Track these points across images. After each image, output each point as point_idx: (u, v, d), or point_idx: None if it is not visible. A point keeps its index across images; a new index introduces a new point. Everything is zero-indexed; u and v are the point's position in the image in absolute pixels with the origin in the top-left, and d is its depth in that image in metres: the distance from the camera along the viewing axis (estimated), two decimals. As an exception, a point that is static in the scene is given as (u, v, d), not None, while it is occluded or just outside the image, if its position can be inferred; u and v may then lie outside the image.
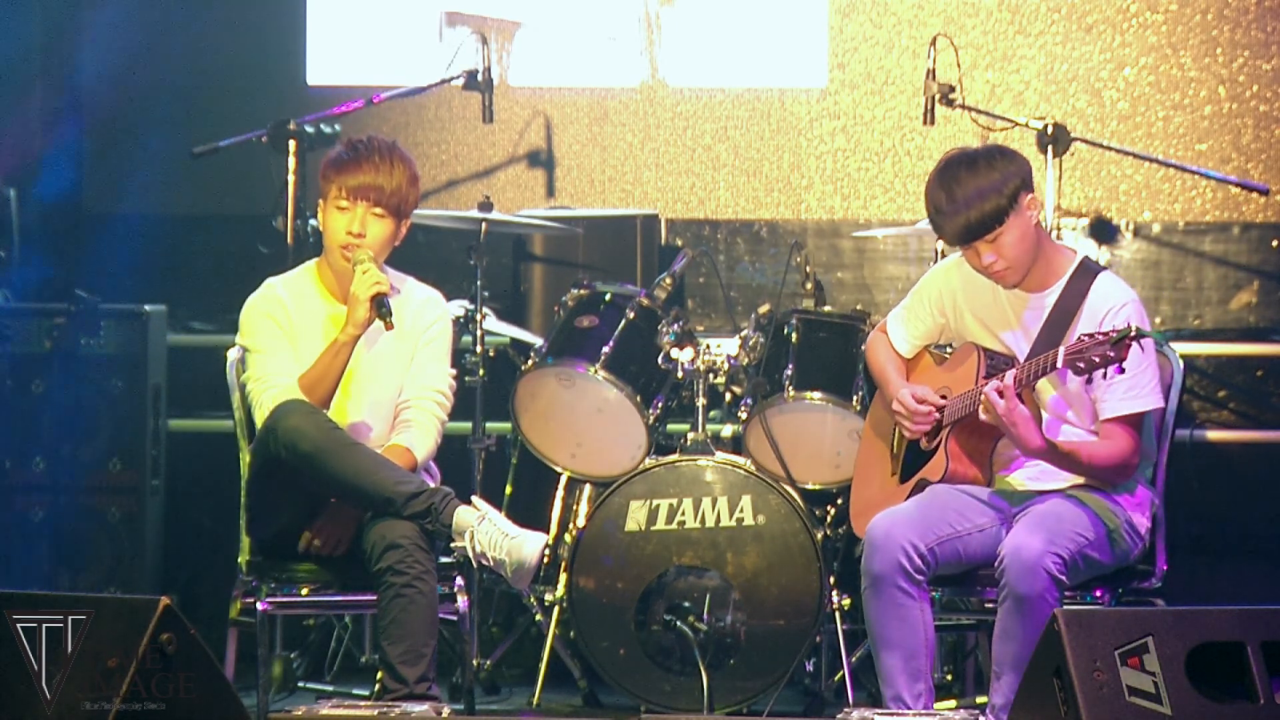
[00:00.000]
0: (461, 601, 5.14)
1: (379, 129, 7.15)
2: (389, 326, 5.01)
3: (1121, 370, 4.56)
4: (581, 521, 5.87)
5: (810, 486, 5.83)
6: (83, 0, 7.28)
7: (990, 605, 4.88)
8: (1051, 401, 4.87)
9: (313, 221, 5.85)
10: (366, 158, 5.09)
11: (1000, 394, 4.66)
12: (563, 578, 5.73)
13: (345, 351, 5.01)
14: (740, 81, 7.26)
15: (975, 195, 4.73)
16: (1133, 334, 4.51)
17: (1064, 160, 6.40)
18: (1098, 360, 4.53)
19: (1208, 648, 4.08)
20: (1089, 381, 4.63)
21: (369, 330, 5.03)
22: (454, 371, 5.26)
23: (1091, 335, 4.57)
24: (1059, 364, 4.60)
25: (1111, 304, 4.81)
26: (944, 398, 4.92)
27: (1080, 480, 4.85)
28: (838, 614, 5.66)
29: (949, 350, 5.18)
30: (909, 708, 4.73)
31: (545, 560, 5.07)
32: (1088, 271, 4.88)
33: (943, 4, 7.18)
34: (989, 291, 4.93)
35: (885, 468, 5.12)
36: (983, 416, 4.74)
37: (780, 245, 7.20)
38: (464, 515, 4.86)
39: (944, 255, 6.18)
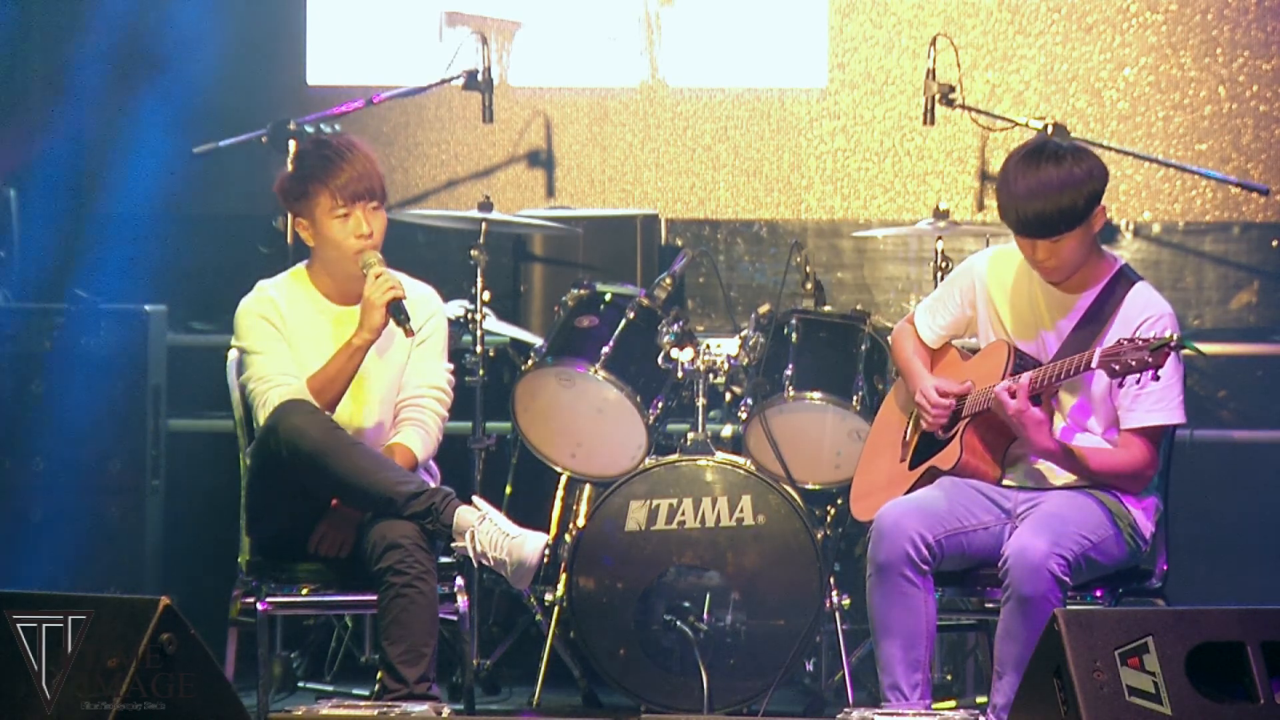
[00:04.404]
0: (461, 601, 5.14)
1: (379, 129, 7.17)
2: (408, 333, 5.02)
3: (1156, 378, 4.56)
4: (581, 521, 5.87)
5: (810, 486, 5.83)
6: (81, 0, 7.29)
7: (991, 605, 4.88)
8: (1073, 407, 4.86)
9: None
10: (344, 158, 5.08)
11: (1012, 394, 4.67)
12: (563, 578, 5.73)
13: (358, 356, 5.01)
14: (740, 81, 7.26)
15: (1055, 193, 4.70)
16: (1173, 343, 4.51)
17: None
18: (1134, 364, 4.52)
19: (1208, 648, 4.08)
20: (1120, 385, 4.62)
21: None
22: (451, 367, 5.26)
23: (1131, 340, 4.56)
24: (1094, 364, 4.60)
25: (1148, 314, 4.80)
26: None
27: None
28: (838, 614, 5.66)
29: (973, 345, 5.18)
30: (906, 697, 4.72)
31: (545, 560, 5.07)
32: (1126, 279, 4.87)
33: (943, 4, 7.18)
34: (1024, 287, 4.92)
35: (895, 454, 5.11)
36: (996, 409, 4.76)
37: (780, 245, 7.20)
38: (464, 515, 4.87)
39: (944, 255, 6.18)
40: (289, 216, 6.24)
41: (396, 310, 4.99)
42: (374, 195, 5.09)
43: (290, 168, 5.19)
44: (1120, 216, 7.10)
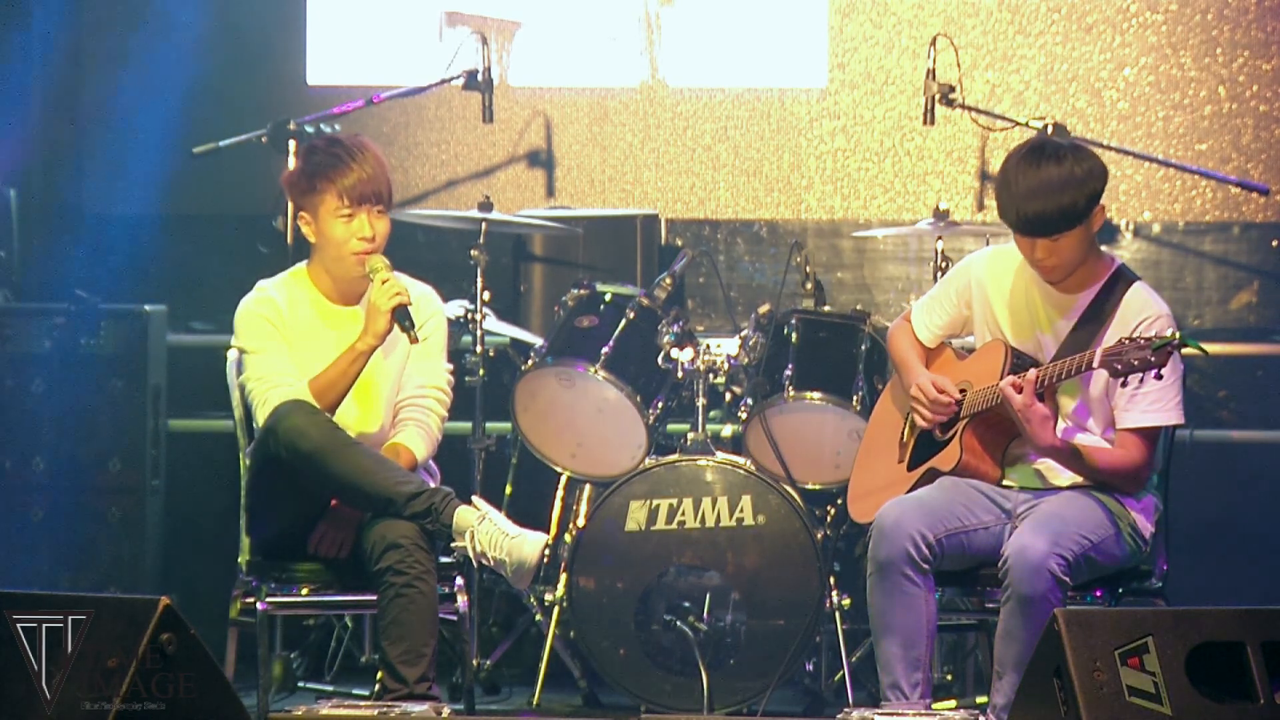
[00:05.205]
0: (461, 601, 5.14)
1: (379, 129, 7.17)
2: (413, 340, 5.01)
3: (1159, 377, 4.55)
4: (581, 521, 5.87)
5: (810, 486, 5.83)
6: (82, 0, 7.29)
7: (991, 605, 4.88)
8: (1073, 407, 4.86)
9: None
10: (353, 158, 5.06)
11: (1018, 389, 4.67)
12: (563, 578, 5.73)
13: (361, 360, 5.01)
14: (740, 81, 7.26)
15: (1055, 192, 4.70)
16: (1176, 342, 4.50)
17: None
18: (1136, 364, 4.51)
19: (1208, 648, 4.08)
20: (1124, 384, 4.62)
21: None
22: (451, 367, 5.26)
23: (1133, 339, 4.56)
24: (1096, 364, 4.60)
25: (1146, 315, 4.79)
26: (963, 391, 4.92)
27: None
28: (838, 614, 5.66)
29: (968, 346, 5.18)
30: (906, 696, 4.72)
31: (545, 560, 5.07)
32: (1124, 279, 4.87)
33: (943, 4, 7.18)
34: (1021, 287, 4.92)
35: (892, 454, 5.11)
36: (1000, 405, 4.75)
37: (780, 245, 7.20)
38: (464, 515, 4.86)
39: (944, 255, 6.18)
40: (289, 214, 6.25)
41: (402, 316, 4.99)
42: (380, 199, 5.09)
43: (299, 162, 5.18)
44: (1120, 216, 7.10)
